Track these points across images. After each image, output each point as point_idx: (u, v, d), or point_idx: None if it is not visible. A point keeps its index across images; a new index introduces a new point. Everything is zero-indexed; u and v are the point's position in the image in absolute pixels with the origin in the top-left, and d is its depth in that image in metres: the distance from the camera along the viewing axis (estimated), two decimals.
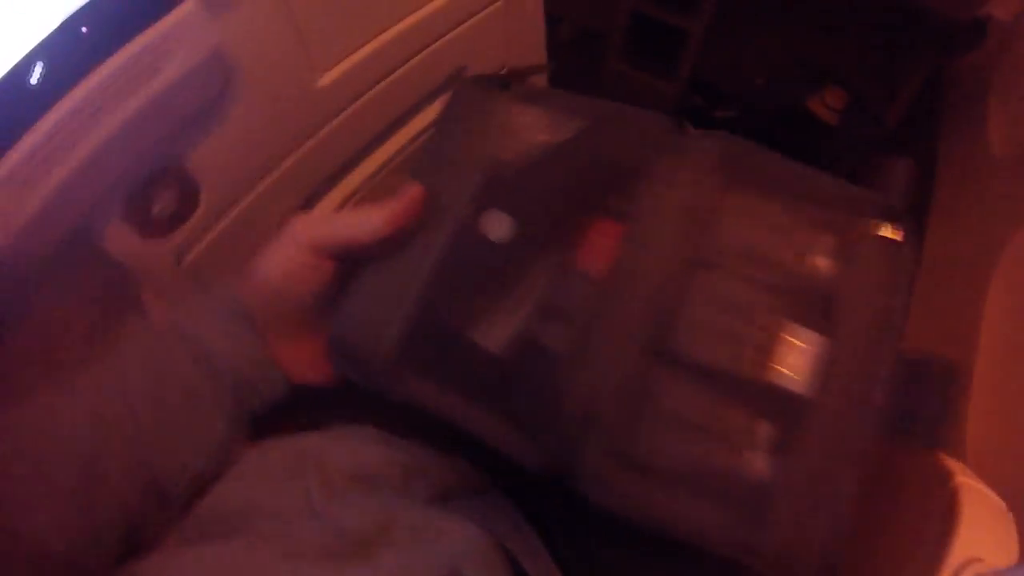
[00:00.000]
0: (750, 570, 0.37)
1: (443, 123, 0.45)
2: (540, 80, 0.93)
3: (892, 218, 0.38)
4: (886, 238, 0.37)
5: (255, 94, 0.60)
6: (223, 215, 0.66)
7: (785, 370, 0.36)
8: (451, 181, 0.42)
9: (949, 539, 0.46)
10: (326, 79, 0.65)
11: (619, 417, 0.37)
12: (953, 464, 0.48)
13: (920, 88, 1.29)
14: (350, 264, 0.42)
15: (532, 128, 0.43)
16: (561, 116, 0.43)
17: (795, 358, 0.36)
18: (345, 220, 0.42)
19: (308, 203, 0.74)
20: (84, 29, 0.47)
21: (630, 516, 0.37)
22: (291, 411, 0.45)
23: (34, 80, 0.45)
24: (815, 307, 0.37)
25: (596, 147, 0.42)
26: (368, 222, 0.40)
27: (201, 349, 0.41)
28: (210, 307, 0.43)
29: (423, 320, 0.40)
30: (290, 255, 0.41)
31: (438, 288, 0.40)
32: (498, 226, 0.41)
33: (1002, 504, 0.49)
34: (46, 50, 0.45)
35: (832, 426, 0.34)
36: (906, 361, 0.36)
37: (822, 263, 0.38)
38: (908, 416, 0.36)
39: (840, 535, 0.34)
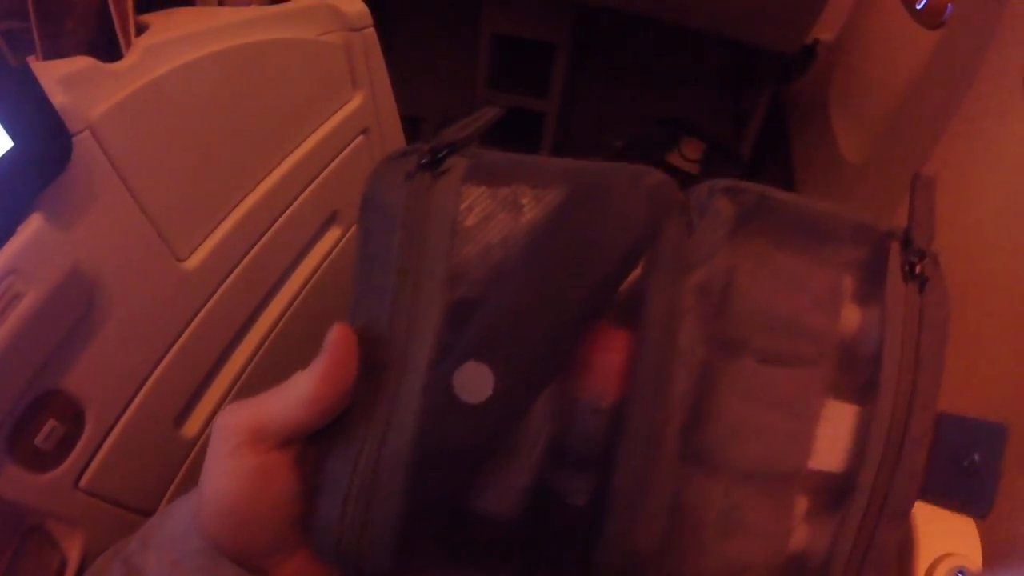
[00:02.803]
0: None
1: (366, 237, 0.34)
2: None
3: (913, 250, 0.34)
4: (909, 274, 0.34)
5: (123, 298, 0.57)
6: (114, 426, 0.61)
7: (824, 452, 0.34)
8: (399, 317, 0.32)
9: (912, 546, 0.48)
10: (193, 261, 0.62)
11: (660, 548, 0.33)
12: None
13: (764, 117, 1.38)
14: (313, 447, 0.34)
15: (492, 218, 0.33)
16: (527, 191, 0.33)
17: (834, 437, 0.34)
18: (272, 397, 0.33)
19: (204, 384, 0.70)
20: None
21: None
22: None
23: None
24: (849, 370, 0.34)
25: (581, 231, 0.32)
26: (295, 391, 0.32)
27: None
28: (170, 557, 0.34)
29: (415, 503, 0.31)
30: (227, 469, 0.32)
31: (422, 466, 0.31)
32: (476, 384, 0.31)
33: None
34: None
35: (872, 494, 0.33)
36: (948, 419, 0.34)
37: (848, 313, 0.35)
38: (951, 478, 0.34)
39: None
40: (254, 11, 0.71)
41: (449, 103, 1.59)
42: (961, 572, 0.47)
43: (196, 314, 0.64)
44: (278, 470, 0.33)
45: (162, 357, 0.63)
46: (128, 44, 0.62)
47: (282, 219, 0.71)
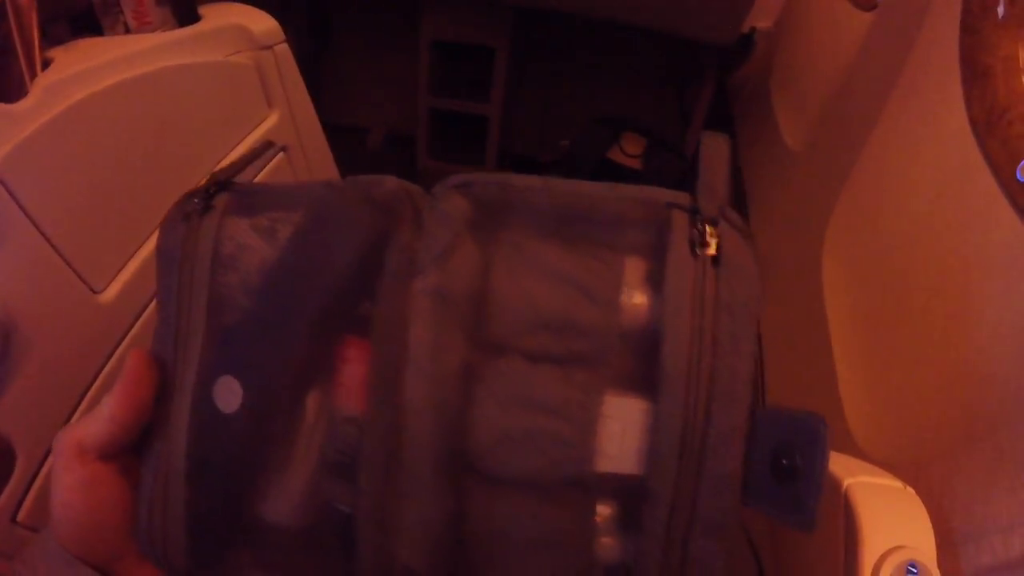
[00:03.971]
0: None
1: (158, 276, 0.37)
2: None
3: (700, 218, 0.30)
4: (700, 250, 0.30)
5: (41, 333, 0.57)
6: (45, 460, 0.62)
7: (612, 454, 0.30)
8: (175, 342, 0.35)
9: (857, 543, 0.45)
10: (110, 293, 0.63)
11: (441, 565, 0.32)
12: (838, 468, 0.48)
13: (709, 109, 1.39)
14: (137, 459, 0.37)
15: (245, 247, 0.35)
16: (280, 218, 0.35)
17: (621, 437, 0.31)
18: (90, 416, 0.37)
19: None
20: None
21: None
22: None
23: None
24: (637, 362, 0.31)
25: (312, 247, 0.34)
26: (100, 410, 0.36)
27: None
28: (33, 563, 0.37)
29: (198, 508, 0.35)
30: (63, 481, 0.36)
31: (195, 473, 0.34)
32: (229, 395, 0.34)
33: (900, 485, 0.48)
34: None
35: (676, 501, 0.29)
36: (765, 412, 0.29)
37: (636, 300, 0.31)
38: (769, 483, 0.29)
39: None
40: (160, 37, 0.71)
41: (394, 112, 1.59)
42: (913, 566, 0.43)
43: (118, 344, 0.65)
44: (105, 479, 0.37)
45: (88, 388, 0.63)
46: (33, 80, 0.62)
47: None
